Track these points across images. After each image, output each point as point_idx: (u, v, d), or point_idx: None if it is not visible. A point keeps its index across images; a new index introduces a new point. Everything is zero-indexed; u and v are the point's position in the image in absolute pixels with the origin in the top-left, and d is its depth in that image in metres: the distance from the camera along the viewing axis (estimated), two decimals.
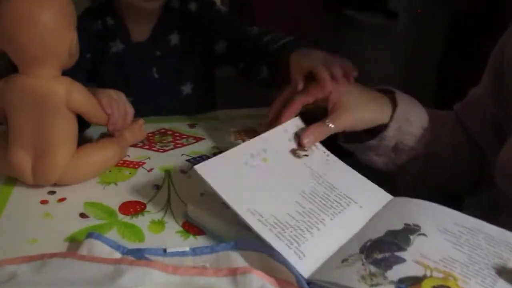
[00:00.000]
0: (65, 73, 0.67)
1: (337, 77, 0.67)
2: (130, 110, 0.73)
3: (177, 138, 0.82)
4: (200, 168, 0.56)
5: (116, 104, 0.70)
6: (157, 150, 0.78)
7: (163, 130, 0.84)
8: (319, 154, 0.66)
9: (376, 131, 0.69)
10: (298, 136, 0.66)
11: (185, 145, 0.80)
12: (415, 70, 2.12)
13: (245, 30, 0.95)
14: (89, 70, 0.95)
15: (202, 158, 0.75)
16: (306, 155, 0.64)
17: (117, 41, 0.94)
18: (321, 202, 0.58)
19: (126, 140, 0.75)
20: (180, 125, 0.87)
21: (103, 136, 0.75)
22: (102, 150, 0.70)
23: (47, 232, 0.59)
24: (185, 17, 0.97)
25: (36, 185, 0.67)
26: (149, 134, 0.82)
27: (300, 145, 0.65)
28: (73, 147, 0.67)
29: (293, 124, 0.67)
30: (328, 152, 0.67)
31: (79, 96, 0.64)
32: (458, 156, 0.72)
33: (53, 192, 0.67)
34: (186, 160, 0.75)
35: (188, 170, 0.72)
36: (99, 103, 0.68)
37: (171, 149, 0.78)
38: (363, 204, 0.60)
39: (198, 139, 0.82)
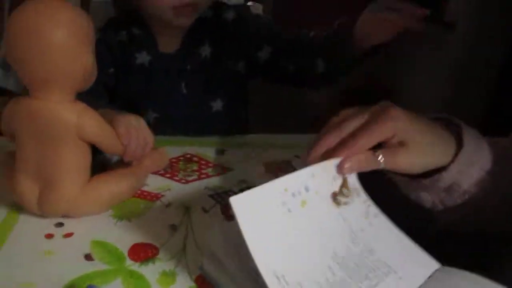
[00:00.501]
0: (85, 92, 0.61)
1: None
2: (150, 139, 0.66)
3: (203, 166, 0.74)
4: (235, 201, 0.45)
5: (135, 133, 0.64)
6: (179, 180, 0.71)
7: (188, 156, 0.77)
8: (360, 203, 0.56)
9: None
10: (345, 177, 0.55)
11: (210, 176, 0.72)
12: (470, 86, 1.98)
13: (288, 33, 0.91)
14: (113, 86, 0.88)
15: (228, 194, 0.68)
16: (345, 203, 0.54)
17: (143, 52, 0.88)
18: (355, 269, 0.49)
19: (146, 169, 0.69)
20: (208, 150, 0.79)
21: (120, 162, 0.68)
22: (116, 181, 0.63)
23: (46, 275, 0.52)
24: (219, 27, 0.90)
25: (41, 216, 0.61)
26: (173, 160, 0.75)
27: (342, 187, 0.54)
28: (84, 178, 0.61)
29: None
30: (369, 202, 0.57)
31: (91, 124, 0.58)
32: None
33: (60, 225, 0.61)
34: (209, 196, 0.67)
35: (210, 208, 0.65)
36: (116, 132, 0.61)
37: (195, 179, 0.71)
38: (404, 274, 0.50)
39: (225, 170, 0.74)
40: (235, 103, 0.94)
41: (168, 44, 0.88)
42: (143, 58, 0.88)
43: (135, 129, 0.64)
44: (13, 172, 0.61)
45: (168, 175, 0.72)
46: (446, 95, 2.04)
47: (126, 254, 0.56)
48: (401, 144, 0.56)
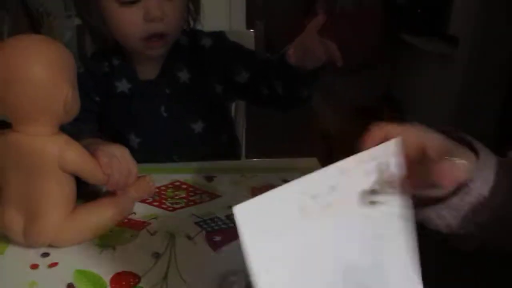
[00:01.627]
0: (73, 120, 0.62)
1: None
2: (134, 169, 0.67)
3: (191, 193, 0.75)
4: (239, 210, 0.39)
5: (118, 163, 0.65)
6: (167, 208, 0.71)
7: (177, 183, 0.78)
8: (390, 203, 0.47)
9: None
10: (382, 170, 0.47)
11: (198, 202, 0.73)
12: (475, 102, 1.96)
13: (264, 58, 0.92)
14: (99, 113, 0.91)
15: (213, 221, 0.68)
16: (375, 202, 0.46)
17: (123, 81, 0.90)
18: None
19: (131, 198, 0.69)
20: (197, 177, 0.80)
21: (106, 192, 0.69)
22: (99, 211, 0.64)
23: None
24: (196, 54, 0.92)
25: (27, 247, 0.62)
26: (162, 188, 0.76)
27: (383, 184, 0.46)
28: (67, 208, 0.62)
29: (386, 150, 0.48)
30: (406, 204, 0.49)
31: (73, 157, 0.59)
32: None
33: (46, 255, 0.62)
34: (195, 223, 0.68)
35: (194, 236, 0.65)
36: (99, 163, 0.62)
37: (182, 207, 0.72)
38: None
39: (213, 196, 0.74)
40: (216, 124, 0.96)
41: (147, 71, 0.91)
42: (123, 86, 0.90)
43: (117, 159, 0.65)
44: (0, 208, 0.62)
45: (156, 203, 0.72)
46: (455, 110, 2.02)
47: (108, 283, 0.57)
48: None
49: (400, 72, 2.51)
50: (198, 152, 0.89)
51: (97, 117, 0.91)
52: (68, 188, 0.61)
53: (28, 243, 0.62)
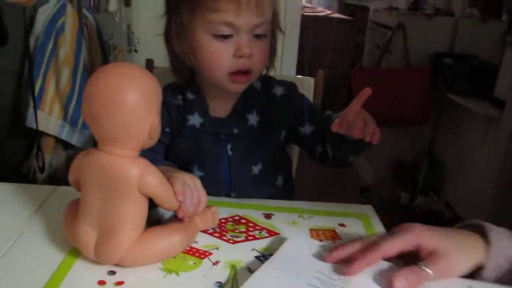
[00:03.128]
0: (147, 149, 0.66)
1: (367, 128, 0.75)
2: (204, 199, 0.70)
3: (251, 229, 0.76)
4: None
5: (190, 192, 0.67)
6: (227, 240, 0.73)
7: (237, 218, 0.80)
8: None
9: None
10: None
11: (258, 238, 0.74)
12: None
13: (326, 116, 0.95)
14: (168, 144, 0.95)
15: None
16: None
17: (195, 115, 0.94)
18: None
19: (196, 227, 0.71)
20: (256, 213, 0.82)
21: (173, 218, 0.72)
22: (168, 236, 0.66)
23: None
24: (267, 99, 0.97)
25: (95, 263, 0.65)
26: (222, 220, 0.78)
27: None
28: (139, 230, 0.64)
29: None
30: None
31: (152, 180, 0.62)
32: None
33: (113, 273, 0.64)
34: (256, 257, 0.69)
35: (255, 269, 0.66)
36: (173, 189, 0.65)
37: (242, 240, 0.73)
38: None
39: (272, 233, 0.76)
40: (275, 167, 0.99)
41: (219, 109, 0.95)
42: (195, 120, 0.94)
43: (190, 188, 0.68)
44: (75, 219, 0.65)
45: (216, 235, 0.74)
46: (498, 173, 1.99)
47: None
48: (435, 252, 0.61)
49: (443, 131, 2.50)
50: (255, 192, 0.91)
51: (166, 149, 0.95)
52: (143, 211, 0.64)
53: (98, 259, 0.64)
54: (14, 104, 1.27)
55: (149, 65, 1.18)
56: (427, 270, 0.60)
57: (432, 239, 0.62)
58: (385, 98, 2.31)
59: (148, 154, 0.69)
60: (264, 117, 0.96)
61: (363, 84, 2.68)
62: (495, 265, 0.61)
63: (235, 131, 0.94)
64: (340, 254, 0.65)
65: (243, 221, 0.79)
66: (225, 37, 0.84)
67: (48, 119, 1.22)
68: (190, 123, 0.94)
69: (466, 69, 2.23)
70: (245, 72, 0.87)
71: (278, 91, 0.98)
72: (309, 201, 0.90)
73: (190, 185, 0.68)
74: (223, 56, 0.85)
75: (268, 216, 0.81)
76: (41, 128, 1.21)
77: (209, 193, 0.85)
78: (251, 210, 0.83)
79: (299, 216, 0.82)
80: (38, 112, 1.20)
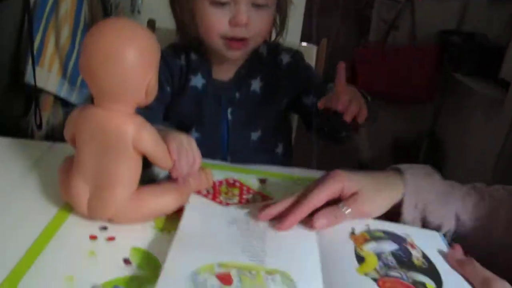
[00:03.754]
0: (145, 107, 0.66)
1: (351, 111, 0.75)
2: (199, 159, 0.69)
3: (244, 192, 0.77)
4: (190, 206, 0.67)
5: (185, 151, 0.67)
6: (220, 202, 0.73)
7: (232, 181, 0.80)
8: None
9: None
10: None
11: (251, 201, 0.74)
12: None
13: (328, 88, 0.94)
14: (168, 104, 0.94)
15: None
16: None
17: (198, 76, 0.94)
18: None
19: (190, 187, 0.71)
20: (250, 178, 0.82)
21: (167, 178, 0.72)
22: (161, 195, 0.66)
23: (86, 272, 0.56)
24: (273, 66, 0.96)
25: (87, 218, 0.65)
26: (216, 183, 0.78)
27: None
28: (133, 187, 0.64)
29: None
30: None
31: (147, 137, 0.62)
32: None
33: (104, 228, 0.64)
34: None
35: None
36: (168, 148, 0.65)
37: (235, 203, 0.73)
38: None
39: (265, 198, 0.76)
40: (274, 135, 0.99)
41: (222, 72, 0.94)
42: (197, 81, 0.94)
43: (185, 148, 0.68)
44: (69, 175, 0.66)
45: (210, 197, 0.74)
46: (499, 153, 1.99)
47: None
48: (354, 194, 0.65)
49: (446, 111, 2.49)
50: (252, 159, 0.90)
51: (165, 109, 0.94)
52: (136, 168, 0.64)
53: (90, 214, 0.65)
54: (14, 60, 1.26)
55: (151, 26, 1.17)
56: (344, 209, 0.65)
57: (351, 182, 0.66)
58: (389, 74, 2.29)
59: (146, 113, 0.68)
60: (268, 84, 0.95)
61: (368, 61, 2.66)
62: (410, 203, 0.67)
63: (237, 95, 0.94)
64: (274, 211, 0.67)
65: (237, 184, 0.79)
66: (222, 4, 0.84)
67: (48, 75, 1.21)
68: (192, 84, 0.94)
69: (473, 48, 2.20)
70: (241, 40, 0.87)
71: (285, 58, 0.97)
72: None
73: (185, 145, 0.68)
74: (218, 22, 0.85)
75: (263, 181, 0.81)
76: (40, 85, 1.21)
77: (205, 156, 0.85)
78: (246, 174, 0.83)
79: (293, 182, 0.82)
80: (37, 68, 1.19)
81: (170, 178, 0.70)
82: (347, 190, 0.66)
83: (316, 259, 0.59)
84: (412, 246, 0.64)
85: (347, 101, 0.77)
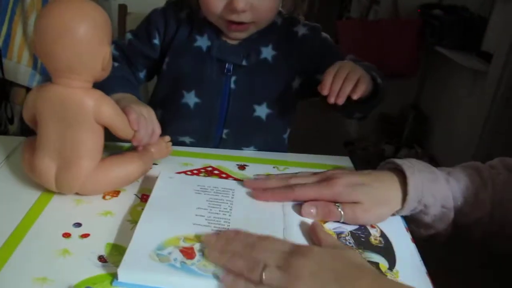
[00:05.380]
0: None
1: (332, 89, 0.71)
2: (157, 130, 0.72)
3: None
4: (163, 175, 0.71)
5: (144, 122, 0.69)
6: None
7: (210, 168, 0.78)
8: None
9: None
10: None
11: None
12: (506, 119, 1.92)
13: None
14: (156, 60, 0.89)
15: None
16: None
17: (204, 37, 0.86)
18: None
19: (152, 156, 0.75)
20: (229, 164, 0.80)
21: (130, 149, 0.76)
22: (124, 164, 0.69)
23: (59, 272, 0.54)
24: (287, 37, 0.88)
25: (62, 214, 0.64)
26: (195, 172, 0.76)
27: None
28: (97, 159, 0.67)
29: None
30: None
31: (107, 109, 0.64)
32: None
33: (79, 225, 0.62)
34: None
35: None
36: (127, 119, 0.67)
37: None
38: None
39: None
40: (280, 117, 0.90)
41: (231, 35, 0.85)
42: (202, 42, 0.86)
43: (144, 118, 0.69)
44: (33, 155, 0.67)
45: None
46: (484, 125, 1.99)
47: None
48: (355, 203, 0.64)
49: (430, 84, 2.48)
50: (250, 137, 0.87)
51: (153, 65, 0.89)
52: (99, 140, 0.66)
53: (59, 189, 0.67)
54: None
55: (122, 11, 1.13)
56: (340, 210, 0.64)
57: (349, 196, 0.64)
58: (372, 49, 2.26)
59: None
60: (281, 53, 0.87)
61: (351, 35, 2.65)
62: (413, 208, 0.66)
63: (244, 62, 0.85)
64: (260, 183, 0.69)
65: (216, 172, 0.77)
66: None
67: (17, 67, 1.16)
68: (197, 44, 0.86)
69: (454, 20, 2.19)
70: (240, 24, 0.81)
71: (300, 30, 0.89)
72: (291, 152, 0.87)
73: (145, 116, 0.70)
74: (215, 4, 0.79)
75: (242, 167, 0.79)
76: (10, 77, 1.16)
77: (200, 126, 0.85)
78: (225, 161, 0.81)
79: (273, 167, 0.80)
80: (6, 61, 1.15)
81: (129, 151, 0.74)
82: (346, 197, 0.64)
83: (279, 234, 0.61)
84: (372, 225, 0.65)
85: (328, 81, 0.73)
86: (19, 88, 1.20)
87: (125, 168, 0.69)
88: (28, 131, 0.71)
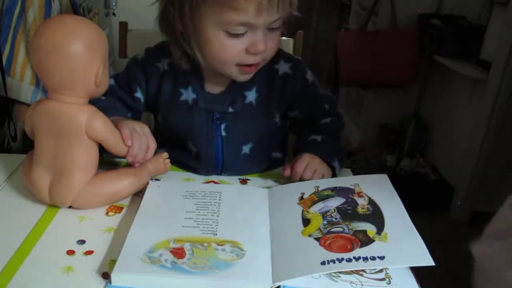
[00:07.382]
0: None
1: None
2: (153, 145, 0.72)
3: None
4: (152, 184, 0.74)
5: (138, 137, 0.69)
6: None
7: (211, 183, 0.78)
8: None
9: None
10: None
11: None
12: (505, 127, 1.92)
13: (320, 108, 0.89)
14: (138, 110, 0.88)
15: None
16: None
17: (189, 89, 0.84)
18: None
19: (148, 172, 0.75)
20: (231, 179, 0.81)
21: (127, 165, 0.75)
22: (118, 179, 0.71)
23: None
24: (269, 74, 0.86)
25: (65, 230, 0.65)
26: None
27: None
28: (90, 173, 0.68)
29: None
30: None
31: (99, 125, 0.65)
32: None
33: (82, 242, 0.63)
34: None
35: None
36: (121, 134, 0.68)
37: None
38: None
39: None
40: (266, 145, 0.90)
41: (216, 84, 0.85)
42: (187, 95, 0.84)
43: (138, 134, 0.70)
44: (31, 168, 0.69)
45: None
46: (484, 134, 1.99)
47: None
48: None
49: (430, 93, 2.49)
50: (247, 170, 0.85)
51: (137, 113, 0.88)
52: (92, 155, 0.68)
53: (52, 202, 0.68)
54: None
55: (123, 28, 1.13)
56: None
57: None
58: (372, 60, 2.27)
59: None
60: (263, 94, 0.86)
61: (350, 46, 2.65)
62: None
63: (230, 110, 0.84)
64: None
65: None
66: (240, 34, 0.74)
67: (20, 85, 1.17)
68: (183, 98, 0.84)
69: (453, 30, 2.20)
70: (256, 65, 0.79)
71: (282, 68, 0.87)
72: None
73: (139, 131, 0.70)
74: (235, 52, 0.76)
75: (243, 182, 0.80)
76: (13, 96, 1.17)
77: (200, 172, 0.83)
78: (227, 176, 0.82)
79: (275, 181, 0.80)
80: (9, 79, 1.16)
81: (125, 166, 0.74)
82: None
83: (266, 228, 0.64)
84: (359, 194, 0.68)
85: (298, 174, 0.78)
86: (22, 106, 1.21)
87: (118, 184, 0.70)
88: (32, 148, 0.71)
